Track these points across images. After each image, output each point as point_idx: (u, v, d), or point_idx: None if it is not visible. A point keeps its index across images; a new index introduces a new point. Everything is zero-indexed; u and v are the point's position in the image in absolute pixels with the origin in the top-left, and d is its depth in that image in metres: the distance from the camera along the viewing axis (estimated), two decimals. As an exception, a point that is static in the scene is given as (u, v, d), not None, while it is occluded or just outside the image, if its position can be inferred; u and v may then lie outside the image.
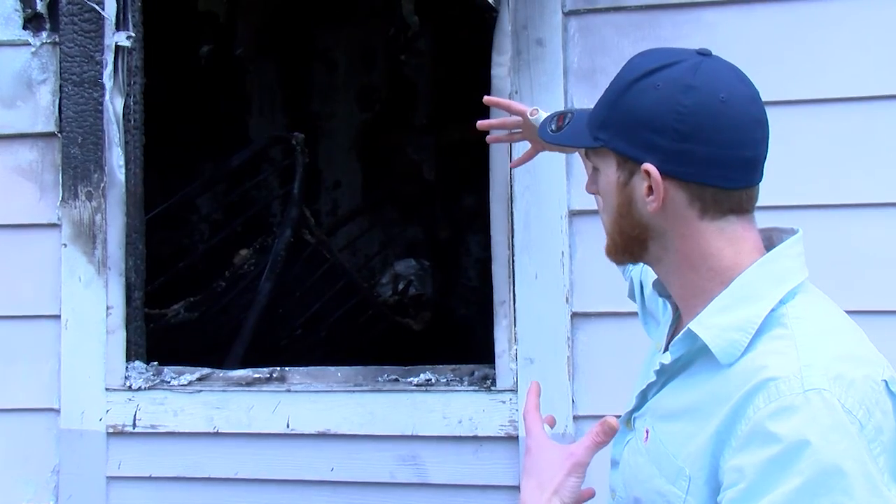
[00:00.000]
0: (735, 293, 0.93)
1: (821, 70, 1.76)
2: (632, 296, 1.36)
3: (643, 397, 1.03)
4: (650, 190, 0.94)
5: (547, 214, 1.85)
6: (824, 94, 1.76)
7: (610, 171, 0.99)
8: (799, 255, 0.96)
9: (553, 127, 1.05)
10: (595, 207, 1.85)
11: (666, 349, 1.02)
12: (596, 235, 1.85)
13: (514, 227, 1.86)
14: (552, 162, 1.85)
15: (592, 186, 1.05)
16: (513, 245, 1.86)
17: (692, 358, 0.96)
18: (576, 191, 1.84)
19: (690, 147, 0.92)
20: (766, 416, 0.85)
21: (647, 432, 1.00)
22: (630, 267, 1.37)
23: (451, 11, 4.07)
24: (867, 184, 1.75)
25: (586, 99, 1.84)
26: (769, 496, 0.82)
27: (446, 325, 3.99)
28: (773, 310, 0.92)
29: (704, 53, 0.96)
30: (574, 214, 1.85)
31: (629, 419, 1.06)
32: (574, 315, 1.84)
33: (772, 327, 0.91)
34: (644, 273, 1.30)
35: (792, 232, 0.98)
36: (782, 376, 0.86)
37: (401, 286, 4.05)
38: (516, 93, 1.87)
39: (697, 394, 0.94)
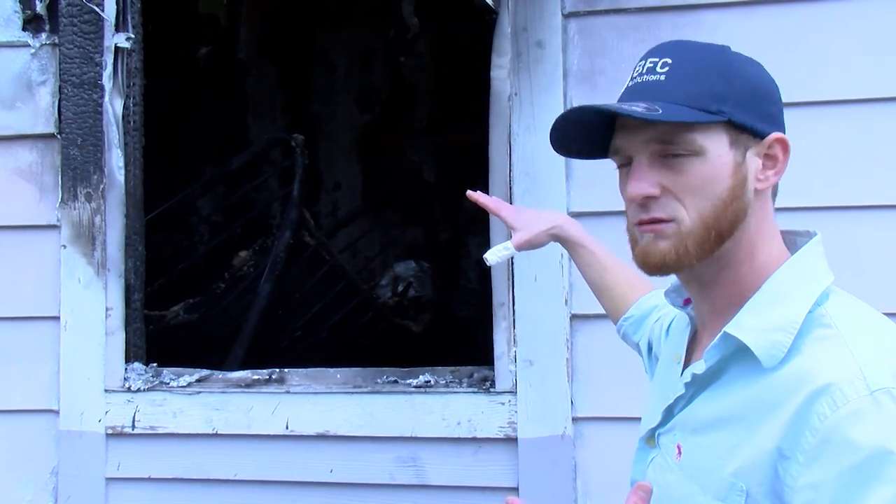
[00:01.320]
0: (770, 293, 0.89)
1: (821, 72, 1.76)
2: (637, 350, 1.32)
3: (669, 412, 0.96)
4: (764, 166, 0.90)
5: (546, 216, 1.85)
6: (824, 96, 1.76)
7: (722, 151, 0.88)
8: (823, 256, 0.93)
9: (641, 106, 0.88)
10: (594, 209, 1.87)
11: (687, 359, 0.98)
12: (596, 236, 1.85)
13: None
14: (552, 164, 1.85)
15: (656, 184, 0.89)
16: (512, 247, 1.86)
17: (725, 365, 0.90)
18: (575, 192, 1.84)
19: (784, 119, 0.93)
20: (836, 424, 0.78)
21: (678, 448, 0.93)
22: (623, 327, 1.33)
23: (451, 13, 4.07)
24: (867, 186, 1.75)
25: (586, 100, 1.84)
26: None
27: (446, 326, 3.99)
28: (810, 310, 0.87)
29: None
30: (574, 216, 1.84)
31: (652, 436, 0.99)
32: (573, 317, 1.84)
33: (813, 328, 0.86)
34: (650, 331, 1.24)
35: (808, 234, 0.95)
36: (844, 379, 0.80)
37: (400, 288, 4.05)
38: (516, 94, 1.87)
39: (736, 401, 0.88)
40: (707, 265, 0.91)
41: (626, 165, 0.93)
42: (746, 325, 0.87)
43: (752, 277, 0.91)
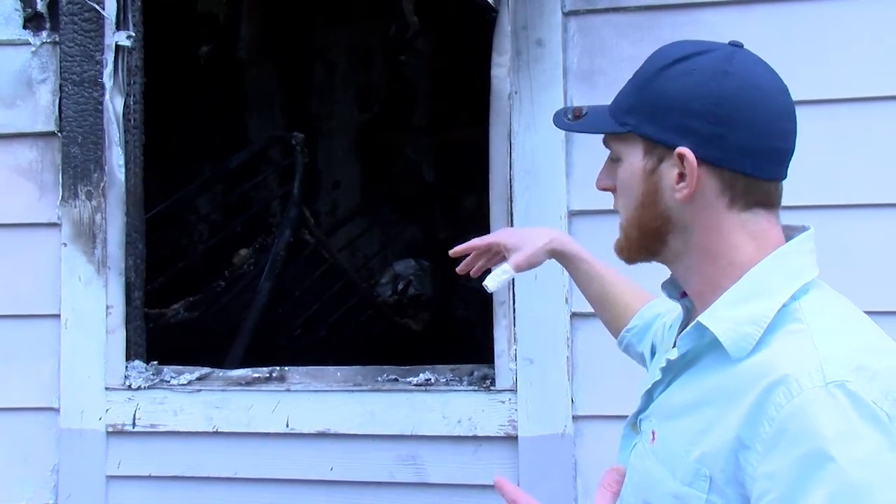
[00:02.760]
0: (746, 287, 0.91)
1: (818, 71, 1.76)
2: (640, 360, 1.32)
3: (649, 397, 1.00)
4: (681, 177, 0.91)
5: (546, 214, 1.85)
6: (822, 94, 1.76)
7: (635, 159, 0.95)
8: (811, 251, 0.94)
9: (570, 116, 1.02)
10: (594, 207, 1.87)
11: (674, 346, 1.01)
12: (595, 235, 1.85)
13: (514, 227, 1.86)
14: (552, 162, 1.85)
15: (607, 181, 0.99)
16: (512, 245, 1.86)
17: (700, 353, 0.93)
18: (575, 191, 1.85)
19: (726, 132, 0.90)
20: (791, 414, 0.81)
21: (652, 433, 0.96)
22: (626, 338, 1.34)
23: (451, 11, 4.07)
24: (864, 184, 1.76)
25: (585, 99, 1.85)
26: (806, 501, 0.78)
27: (446, 325, 4.00)
28: (784, 304, 0.89)
29: (737, 45, 0.95)
30: (573, 214, 1.85)
31: (635, 422, 1.02)
32: (573, 315, 1.84)
33: (785, 322, 0.88)
34: (653, 335, 1.25)
35: (803, 229, 0.96)
36: (802, 370, 0.82)
37: (400, 286, 4.05)
38: (516, 93, 1.87)
39: (704, 388, 0.91)
40: (672, 264, 0.98)
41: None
42: (719, 316, 0.91)
43: (723, 278, 0.93)
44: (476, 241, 1.44)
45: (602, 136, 1.00)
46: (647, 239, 0.96)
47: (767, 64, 0.95)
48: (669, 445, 0.93)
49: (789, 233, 0.96)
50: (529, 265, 1.39)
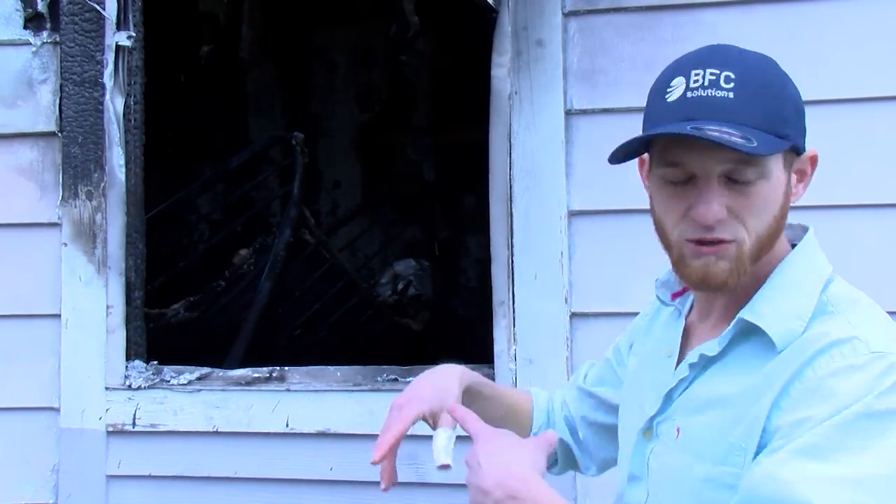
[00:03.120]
0: (783, 282, 0.94)
1: (819, 71, 1.76)
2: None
3: (668, 398, 0.98)
4: (797, 180, 0.95)
5: (546, 215, 1.85)
6: (823, 95, 1.76)
7: (780, 173, 0.91)
8: (819, 247, 0.98)
9: (739, 139, 0.86)
10: (594, 208, 1.87)
11: (682, 351, 1.00)
12: (595, 236, 1.86)
13: (514, 227, 1.87)
14: (552, 163, 1.85)
15: (724, 210, 0.89)
16: (512, 245, 1.87)
17: (731, 347, 0.95)
18: (575, 191, 1.85)
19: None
20: (827, 376, 0.84)
21: (677, 430, 0.96)
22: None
23: (452, 12, 4.07)
24: (864, 185, 1.76)
25: (586, 100, 1.85)
26: (836, 454, 0.81)
27: (445, 325, 4.00)
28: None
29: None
30: (573, 215, 1.85)
31: (649, 427, 1.00)
32: (573, 315, 1.85)
33: (818, 315, 0.91)
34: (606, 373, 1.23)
35: (801, 227, 0.99)
36: (845, 342, 0.86)
37: (400, 286, 4.05)
38: (516, 93, 1.87)
39: (743, 380, 0.91)
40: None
41: (681, 182, 0.91)
42: (762, 312, 0.92)
43: (765, 269, 0.95)
44: (394, 431, 1.16)
45: (720, 160, 0.88)
46: (763, 254, 0.93)
47: None
48: (698, 436, 0.93)
49: (787, 230, 0.99)
50: (462, 414, 1.13)
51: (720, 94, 0.89)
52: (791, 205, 0.95)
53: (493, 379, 1.87)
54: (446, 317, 4.15)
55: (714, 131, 0.86)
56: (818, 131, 1.87)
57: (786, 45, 1.78)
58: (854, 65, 1.76)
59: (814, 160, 0.96)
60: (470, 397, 1.21)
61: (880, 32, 1.76)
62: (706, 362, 0.96)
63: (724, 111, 0.88)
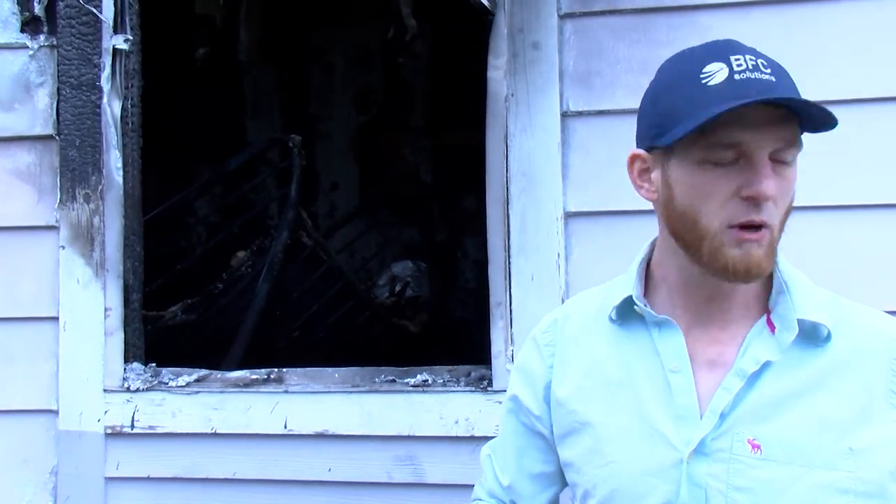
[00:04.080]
0: (796, 280, 0.98)
1: (813, 73, 1.77)
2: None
3: (721, 415, 0.94)
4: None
5: (543, 216, 1.86)
6: (819, 96, 1.75)
7: (794, 160, 0.95)
8: None
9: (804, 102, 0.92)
10: (591, 209, 1.88)
11: (695, 361, 0.98)
12: (592, 237, 1.86)
13: (511, 228, 1.87)
14: (548, 164, 1.86)
15: (776, 185, 0.91)
16: (509, 247, 1.87)
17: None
18: (572, 193, 1.85)
19: None
20: None
21: (751, 444, 0.92)
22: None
23: (449, 14, 4.08)
24: (860, 185, 1.76)
25: (582, 102, 1.86)
26: None
27: (443, 326, 4.00)
28: None
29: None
30: (570, 216, 1.86)
31: (698, 449, 0.93)
32: (570, 316, 1.85)
33: (834, 306, 0.99)
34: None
35: None
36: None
37: (398, 288, 4.05)
38: (512, 95, 1.88)
39: (805, 375, 0.94)
40: None
41: (728, 164, 0.91)
42: (809, 310, 0.95)
43: None
44: None
45: (781, 137, 0.92)
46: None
47: None
48: (791, 441, 0.91)
49: None
50: None
51: (765, 77, 0.91)
52: None
53: (491, 381, 1.88)
54: (444, 318, 4.16)
55: (813, 103, 0.91)
56: (810, 133, 1.87)
57: (781, 47, 1.78)
58: (849, 66, 1.77)
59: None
60: None
61: (876, 34, 1.77)
62: (753, 372, 0.94)
63: (776, 90, 0.90)
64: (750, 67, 0.91)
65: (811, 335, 0.95)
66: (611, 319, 1.03)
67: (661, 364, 0.98)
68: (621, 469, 0.98)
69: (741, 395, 0.93)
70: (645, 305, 1.01)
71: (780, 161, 0.91)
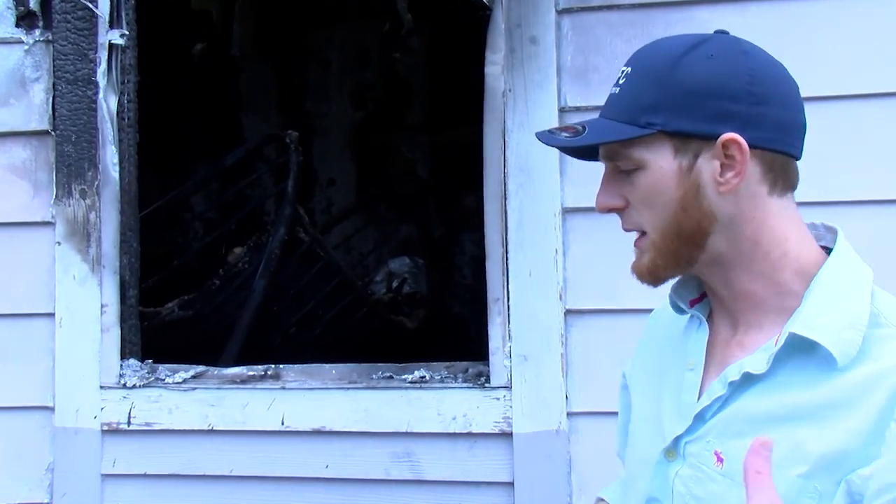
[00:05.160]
0: (830, 289, 0.86)
1: (812, 68, 1.76)
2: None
3: (700, 418, 0.90)
4: (724, 168, 0.85)
5: (541, 212, 1.86)
6: (816, 91, 1.75)
7: (665, 162, 0.87)
8: (853, 249, 0.92)
9: (566, 134, 0.91)
10: (588, 204, 1.87)
11: (707, 362, 0.93)
12: (590, 233, 1.86)
13: (508, 224, 1.87)
14: (546, 160, 1.85)
15: (615, 199, 0.90)
16: (507, 242, 1.87)
17: (777, 363, 0.87)
18: (569, 188, 1.85)
19: (766, 110, 0.85)
20: None
21: (717, 455, 0.88)
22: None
23: (446, 9, 4.07)
24: (858, 181, 1.76)
25: (579, 97, 1.85)
26: None
27: (440, 322, 4.00)
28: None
29: (723, 32, 0.92)
30: (568, 212, 1.86)
31: (673, 447, 0.92)
32: (568, 312, 1.85)
33: (872, 328, 0.85)
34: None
35: (824, 227, 0.93)
36: None
37: (395, 284, 4.05)
38: (510, 91, 1.88)
39: (799, 399, 0.84)
40: (712, 271, 0.91)
41: None
42: (816, 325, 0.84)
43: (780, 272, 0.88)
44: None
45: (601, 149, 0.91)
46: (687, 248, 0.88)
47: None
48: None
49: (811, 225, 0.93)
50: None
51: (615, 90, 0.91)
52: (725, 193, 0.86)
53: (488, 377, 1.88)
54: (441, 314, 4.15)
55: (545, 135, 0.92)
56: (811, 128, 1.88)
57: (778, 42, 1.78)
58: (847, 61, 1.77)
59: (735, 143, 0.85)
60: None
61: (873, 29, 1.77)
62: (749, 380, 0.88)
63: (608, 106, 0.91)
64: (616, 81, 0.92)
65: (819, 357, 0.84)
66: (674, 308, 1.02)
67: (685, 359, 0.98)
68: (633, 453, 1.01)
69: (725, 404, 0.89)
70: (689, 304, 0.98)
71: (623, 170, 0.90)
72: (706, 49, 0.87)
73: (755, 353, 0.88)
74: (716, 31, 0.92)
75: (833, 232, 0.92)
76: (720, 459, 0.88)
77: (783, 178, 0.88)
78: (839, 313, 0.85)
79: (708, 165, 0.86)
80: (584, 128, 0.90)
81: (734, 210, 0.87)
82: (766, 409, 0.86)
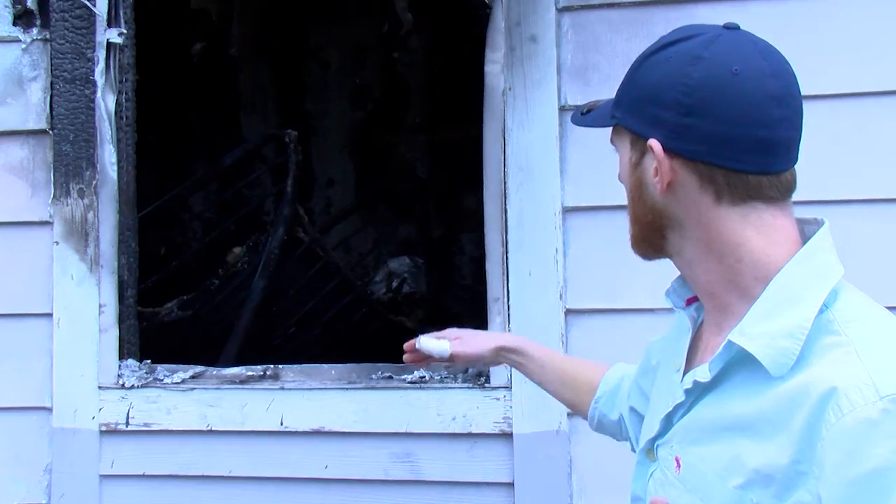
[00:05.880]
0: (776, 296, 0.84)
1: (812, 66, 1.76)
2: (618, 430, 1.25)
3: (668, 422, 0.93)
4: (655, 169, 0.88)
5: (541, 211, 1.85)
6: (819, 90, 1.76)
7: (625, 152, 0.93)
8: (832, 247, 0.88)
9: (584, 111, 1.01)
10: (589, 204, 1.87)
11: (688, 363, 0.94)
12: (590, 232, 1.85)
13: (508, 224, 1.86)
14: (546, 159, 1.85)
15: (620, 173, 0.98)
16: (506, 242, 1.86)
17: (727, 371, 0.87)
18: (570, 188, 1.84)
19: (695, 122, 0.85)
20: (842, 433, 0.76)
21: (676, 461, 0.91)
22: (597, 411, 1.26)
23: (445, 8, 4.06)
24: (859, 180, 1.76)
25: (579, 96, 1.85)
26: None
27: (440, 322, 3.98)
28: (819, 313, 0.83)
29: (731, 27, 0.90)
30: (568, 211, 1.85)
31: (651, 448, 0.96)
32: (568, 312, 1.84)
33: (822, 335, 0.82)
34: (628, 397, 1.19)
35: (817, 222, 0.90)
36: (851, 385, 0.77)
37: (394, 284, 4.04)
38: (510, 89, 1.87)
39: (739, 410, 0.85)
40: (681, 265, 0.94)
41: None
42: (752, 332, 0.84)
43: (737, 276, 0.87)
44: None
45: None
46: (646, 233, 0.93)
47: (763, 45, 0.89)
48: (700, 473, 0.88)
49: (801, 226, 0.90)
50: (466, 358, 1.39)
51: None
52: (662, 192, 0.88)
53: (488, 377, 1.87)
54: (441, 314, 4.14)
55: (586, 105, 1.02)
56: (812, 126, 1.87)
57: (779, 40, 1.77)
58: (848, 60, 1.76)
59: (651, 149, 0.87)
60: (517, 356, 1.34)
61: (874, 27, 1.76)
62: (702, 389, 0.89)
63: (596, 106, 1.01)
64: None
65: (761, 366, 0.83)
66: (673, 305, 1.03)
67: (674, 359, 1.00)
68: (638, 445, 1.05)
69: (688, 409, 0.91)
70: (686, 303, 0.99)
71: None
72: (671, 51, 0.89)
73: (710, 362, 0.88)
74: (724, 25, 0.92)
75: (818, 225, 0.90)
76: (678, 465, 0.90)
77: (730, 190, 0.86)
78: (781, 320, 0.83)
79: (649, 165, 0.90)
80: (596, 108, 1.00)
81: (680, 212, 0.89)
82: (713, 418, 0.87)
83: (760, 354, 0.83)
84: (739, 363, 0.86)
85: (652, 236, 0.93)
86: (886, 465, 0.74)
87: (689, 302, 0.98)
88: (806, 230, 0.90)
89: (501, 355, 1.35)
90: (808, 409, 0.78)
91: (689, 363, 0.95)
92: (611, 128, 0.96)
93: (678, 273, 0.97)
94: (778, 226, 0.87)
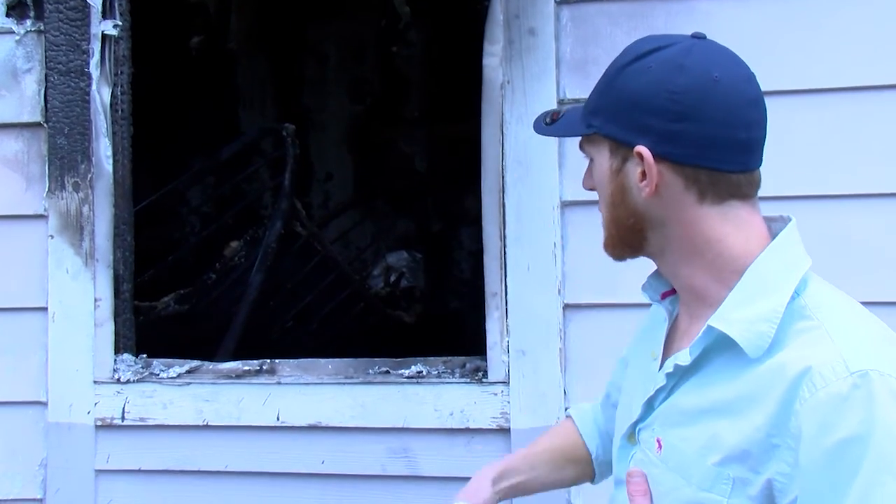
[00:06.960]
0: (751, 284, 0.91)
1: (813, 60, 1.75)
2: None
3: (649, 406, 0.99)
4: (643, 175, 0.92)
5: (539, 205, 1.84)
6: (816, 84, 1.75)
7: (603, 160, 0.97)
8: (800, 241, 0.95)
9: (547, 120, 1.05)
10: (587, 198, 1.86)
11: (665, 353, 1.00)
12: (588, 226, 1.84)
13: (506, 218, 1.85)
14: (544, 153, 1.83)
15: (588, 180, 1.02)
16: (504, 237, 1.85)
17: (707, 356, 0.93)
18: (568, 181, 1.83)
19: (684, 127, 0.90)
20: (814, 407, 0.82)
21: (658, 442, 0.96)
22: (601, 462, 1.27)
23: (443, 2, 4.05)
24: (858, 174, 1.75)
25: (578, 89, 1.83)
26: (843, 496, 0.79)
27: (438, 317, 3.99)
28: (791, 299, 0.90)
29: (699, 37, 0.95)
30: (566, 205, 1.84)
31: (632, 432, 1.01)
32: (566, 306, 1.83)
33: (795, 320, 0.89)
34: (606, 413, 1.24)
35: (783, 219, 0.97)
36: (824, 363, 0.83)
37: (392, 278, 4.04)
38: (508, 83, 1.85)
39: (720, 392, 0.90)
40: (661, 262, 0.99)
41: None
42: (731, 318, 0.90)
43: (717, 270, 0.93)
44: None
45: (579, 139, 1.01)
46: (626, 235, 0.97)
47: (731, 53, 0.95)
48: (680, 452, 0.93)
49: (769, 223, 0.96)
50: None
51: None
52: (649, 196, 0.92)
53: (486, 372, 1.86)
54: (439, 309, 4.14)
55: (547, 114, 1.06)
56: (811, 120, 1.87)
57: (779, 34, 1.77)
58: (847, 54, 1.75)
59: (639, 155, 0.92)
60: (510, 476, 1.24)
61: (874, 21, 1.75)
62: (682, 372, 0.95)
63: (559, 113, 1.05)
64: None
65: (739, 350, 0.89)
66: (649, 299, 1.09)
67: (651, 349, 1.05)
68: (617, 432, 1.08)
69: (669, 394, 0.96)
70: (661, 297, 1.04)
71: (589, 159, 1.01)
72: (650, 60, 0.93)
73: (690, 346, 0.94)
74: (692, 34, 0.96)
75: (785, 223, 0.96)
76: (660, 446, 0.96)
77: (713, 189, 0.92)
78: (757, 306, 0.89)
79: (633, 170, 0.93)
80: (562, 116, 1.03)
81: (662, 213, 0.94)
82: (694, 400, 0.93)
83: (739, 338, 0.89)
84: (718, 348, 0.92)
85: (631, 238, 0.97)
86: (856, 434, 0.80)
87: (665, 296, 1.04)
88: (773, 227, 0.96)
89: (501, 491, 1.22)
90: (784, 387, 0.84)
91: (666, 353, 1.00)
92: (579, 136, 1.00)
93: (654, 268, 1.03)
94: (752, 222, 0.94)
